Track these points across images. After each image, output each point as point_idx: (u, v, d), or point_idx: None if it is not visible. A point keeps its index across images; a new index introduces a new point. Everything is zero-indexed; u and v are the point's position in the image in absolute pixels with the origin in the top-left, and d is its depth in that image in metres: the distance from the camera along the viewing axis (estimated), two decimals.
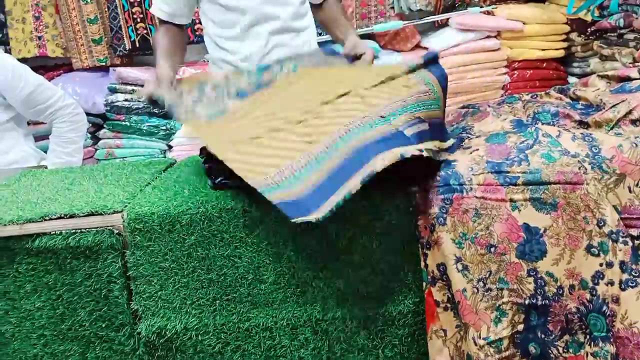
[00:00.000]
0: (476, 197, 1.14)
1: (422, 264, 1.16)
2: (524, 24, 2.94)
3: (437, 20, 3.16)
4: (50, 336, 1.28)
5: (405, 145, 1.06)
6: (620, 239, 1.09)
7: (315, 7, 1.84)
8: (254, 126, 1.24)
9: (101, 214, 1.23)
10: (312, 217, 0.97)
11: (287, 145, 1.16)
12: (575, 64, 3.00)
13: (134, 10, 3.00)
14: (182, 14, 1.69)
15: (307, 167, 1.09)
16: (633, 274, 1.07)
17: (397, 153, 1.02)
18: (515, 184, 1.13)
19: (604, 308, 1.08)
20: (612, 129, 1.23)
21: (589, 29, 2.69)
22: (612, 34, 2.52)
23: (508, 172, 1.14)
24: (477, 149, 1.22)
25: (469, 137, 1.32)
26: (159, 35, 1.67)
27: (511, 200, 1.12)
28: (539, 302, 1.11)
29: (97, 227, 1.21)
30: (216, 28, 1.70)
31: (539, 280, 1.11)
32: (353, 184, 0.99)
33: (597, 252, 1.10)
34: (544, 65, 3.01)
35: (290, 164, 1.10)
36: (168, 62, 1.55)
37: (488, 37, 2.98)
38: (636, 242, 1.10)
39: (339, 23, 1.78)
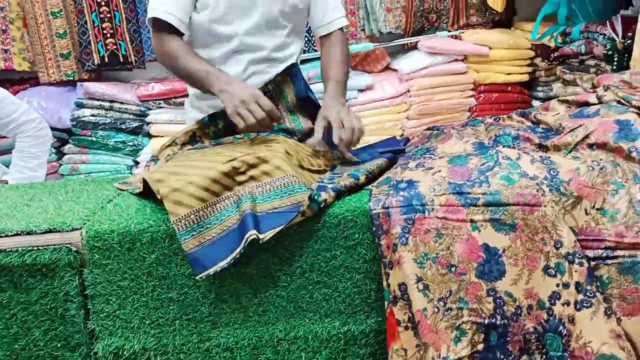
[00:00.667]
0: (438, 218, 1.15)
1: (384, 283, 1.17)
2: (490, 48, 3.02)
3: (407, 43, 3.22)
4: (2, 356, 1.24)
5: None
6: (577, 260, 1.11)
7: (320, 44, 1.75)
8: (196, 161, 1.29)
9: (59, 231, 1.20)
10: (205, 273, 1.11)
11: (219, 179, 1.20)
12: (539, 88, 3.08)
13: (104, 25, 2.98)
14: (186, 23, 1.56)
15: (218, 215, 1.17)
16: (588, 294, 1.09)
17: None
18: (475, 205, 1.15)
19: (560, 328, 1.10)
20: (570, 152, 1.26)
21: (552, 55, 2.78)
22: (574, 60, 2.61)
23: (469, 193, 1.16)
24: (440, 170, 1.24)
25: (432, 158, 1.34)
26: (179, 45, 1.51)
27: (471, 221, 1.14)
28: (498, 322, 1.12)
29: (54, 245, 1.19)
30: (197, 45, 1.61)
31: (498, 300, 1.12)
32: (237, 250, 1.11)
33: (554, 272, 1.12)
34: (509, 88, 3.09)
35: (214, 202, 1.18)
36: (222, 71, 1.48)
37: (455, 60, 3.05)
38: (592, 263, 1.13)
39: (329, 71, 1.65)
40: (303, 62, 1.94)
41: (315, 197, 1.18)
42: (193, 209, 1.15)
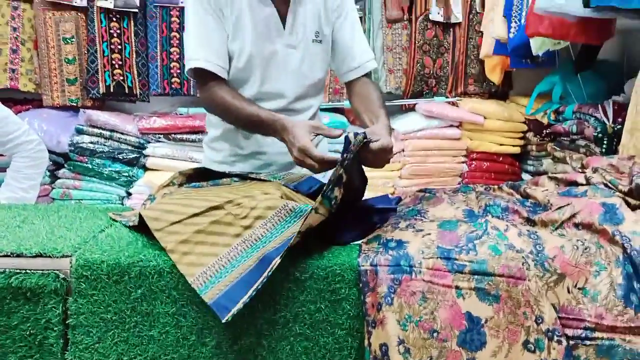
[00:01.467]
0: (424, 281, 1.17)
1: (366, 342, 1.17)
2: (484, 118, 3.12)
3: (405, 104, 3.31)
4: None
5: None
6: (556, 338, 1.13)
7: (348, 87, 1.74)
8: (197, 201, 1.31)
9: (49, 257, 1.20)
10: (229, 314, 1.11)
11: (223, 229, 1.23)
12: (529, 162, 3.16)
13: (113, 56, 3.05)
14: (227, 68, 1.60)
15: (233, 262, 1.19)
16: None
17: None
18: (462, 272, 1.17)
19: None
20: (556, 229, 1.30)
21: (544, 131, 2.87)
22: (565, 138, 2.69)
23: (456, 259, 1.19)
24: (430, 233, 1.27)
25: (422, 220, 1.37)
26: (231, 95, 1.54)
27: (457, 287, 1.16)
28: None
29: (43, 270, 1.19)
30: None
31: None
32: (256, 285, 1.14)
33: (533, 348, 1.13)
34: (501, 159, 3.17)
35: (227, 252, 1.20)
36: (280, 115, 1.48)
37: (451, 126, 3.14)
38: (571, 342, 1.14)
39: (373, 113, 1.56)
40: None
41: (328, 193, 1.19)
42: (207, 266, 1.17)
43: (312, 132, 1.38)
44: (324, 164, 1.35)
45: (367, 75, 1.74)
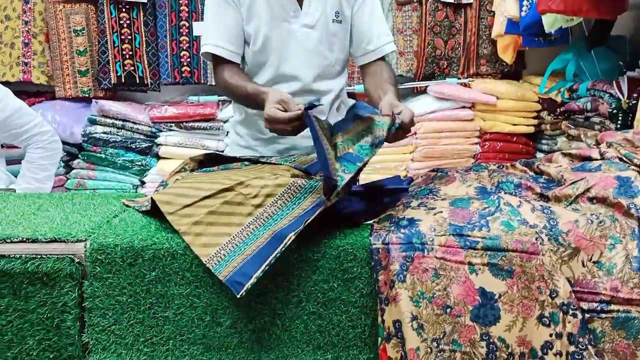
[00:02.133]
0: (436, 258, 1.17)
1: (379, 319, 1.18)
2: (497, 98, 3.08)
3: (417, 87, 3.29)
4: None
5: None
6: (571, 311, 1.12)
7: (363, 72, 1.74)
8: (207, 184, 1.31)
9: (64, 242, 1.22)
10: (243, 289, 1.12)
11: (235, 209, 1.24)
12: (543, 141, 3.13)
13: (123, 46, 3.06)
14: (240, 52, 1.63)
15: (246, 240, 1.20)
16: (580, 346, 1.10)
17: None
18: (474, 248, 1.16)
19: None
20: (570, 204, 1.29)
21: (558, 109, 2.83)
22: (580, 116, 2.66)
23: (469, 235, 1.18)
24: (441, 211, 1.26)
25: (434, 198, 1.36)
26: (229, 75, 1.57)
27: (469, 264, 1.16)
28: None
29: (58, 254, 1.20)
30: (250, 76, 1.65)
31: (491, 345, 1.13)
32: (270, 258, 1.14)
33: (547, 322, 1.13)
34: (514, 139, 3.14)
35: (239, 231, 1.21)
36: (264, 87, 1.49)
37: (463, 107, 3.11)
38: (586, 315, 1.14)
39: (382, 89, 1.56)
40: None
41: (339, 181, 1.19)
42: (221, 246, 1.18)
43: (279, 103, 1.35)
44: (294, 121, 1.32)
45: (383, 58, 1.73)
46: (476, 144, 3.14)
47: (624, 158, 1.42)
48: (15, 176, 2.32)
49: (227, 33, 1.60)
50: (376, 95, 1.56)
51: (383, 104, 1.40)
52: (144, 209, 1.38)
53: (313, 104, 1.27)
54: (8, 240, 1.22)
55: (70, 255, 1.20)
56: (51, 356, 1.23)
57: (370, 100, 1.61)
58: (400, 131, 1.33)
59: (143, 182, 3.02)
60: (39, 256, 1.20)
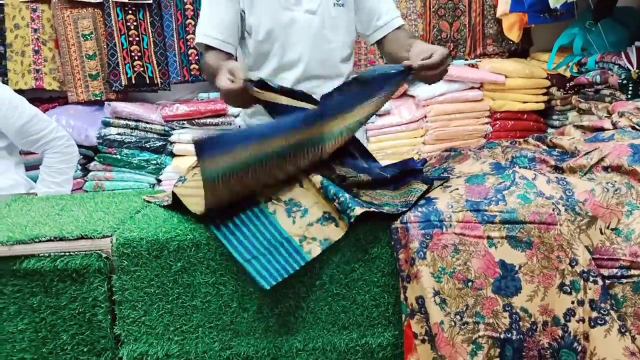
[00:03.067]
0: (455, 234, 1.18)
1: (402, 296, 1.20)
2: (506, 77, 3.07)
3: None
4: (30, 359, 1.28)
5: None
6: (591, 278, 1.13)
7: (379, 46, 1.75)
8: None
9: (91, 238, 1.25)
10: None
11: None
12: (554, 117, 3.12)
13: (132, 48, 3.09)
14: (232, 41, 1.63)
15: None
16: (602, 312, 1.11)
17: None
18: (492, 222, 1.18)
19: (575, 344, 1.12)
20: (585, 174, 1.30)
21: (567, 84, 2.82)
22: (590, 89, 2.64)
23: (486, 210, 1.20)
24: (457, 189, 1.28)
25: (450, 177, 1.38)
26: (210, 58, 1.58)
27: (488, 238, 1.17)
28: (514, 337, 1.14)
29: (85, 251, 1.24)
30: (252, 69, 1.67)
31: (514, 315, 1.15)
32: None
33: (569, 290, 1.14)
34: (525, 117, 3.13)
35: None
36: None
37: (472, 88, 3.11)
38: (606, 282, 1.15)
39: (404, 47, 1.53)
40: None
41: (348, 211, 1.20)
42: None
43: (229, 73, 1.33)
44: (240, 93, 1.29)
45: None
46: (487, 123, 3.14)
47: (637, 126, 1.43)
48: (34, 181, 2.36)
49: (219, 24, 1.61)
50: (402, 56, 1.51)
51: (411, 55, 1.39)
52: (165, 203, 1.41)
53: (263, 80, 1.28)
54: (36, 240, 1.25)
55: (97, 251, 1.24)
56: (85, 350, 1.27)
57: (395, 60, 1.58)
58: (429, 72, 1.35)
59: (159, 180, 3.05)
60: (67, 253, 1.24)
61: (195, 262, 1.23)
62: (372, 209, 1.19)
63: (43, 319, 1.27)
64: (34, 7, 3.08)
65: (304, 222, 1.21)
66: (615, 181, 1.24)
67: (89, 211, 1.44)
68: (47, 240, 1.25)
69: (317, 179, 1.25)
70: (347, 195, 1.22)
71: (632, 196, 1.21)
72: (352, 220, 1.18)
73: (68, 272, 1.24)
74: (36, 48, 3.11)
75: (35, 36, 3.10)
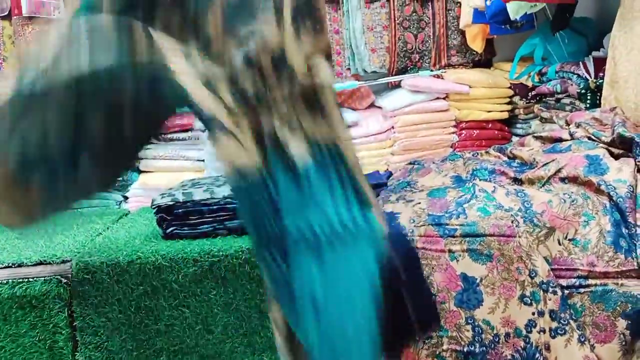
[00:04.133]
0: (417, 248, 1.19)
1: None
2: (470, 87, 3.12)
3: (391, 82, 3.32)
4: None
5: None
6: (551, 289, 1.15)
7: None
8: None
9: (50, 264, 1.23)
10: None
11: None
12: (518, 125, 3.17)
13: None
14: None
15: None
16: (562, 322, 1.13)
17: None
18: (453, 236, 1.19)
19: (537, 355, 1.13)
20: (543, 185, 1.32)
21: (530, 93, 2.87)
22: (551, 98, 2.70)
23: (447, 224, 1.21)
24: (419, 202, 1.29)
25: (412, 191, 1.39)
26: None
27: (450, 251, 1.18)
28: (477, 350, 1.16)
29: (45, 277, 1.21)
30: None
31: (477, 328, 1.16)
32: None
33: (529, 301, 1.16)
34: (490, 125, 3.18)
35: None
36: None
37: (437, 98, 3.14)
38: (565, 292, 1.17)
39: None
40: None
41: None
42: None
43: None
44: None
45: None
46: (453, 133, 3.18)
47: (592, 137, 1.47)
48: None
49: None
50: None
51: None
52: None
53: None
54: None
55: (57, 277, 1.21)
56: None
57: None
58: None
59: (126, 197, 3.01)
60: (26, 280, 1.21)
61: (157, 285, 1.22)
62: None
63: (2, 347, 1.24)
64: None
65: None
66: (572, 192, 1.27)
67: (49, 234, 1.41)
68: (5, 267, 1.23)
69: None
70: None
71: (588, 207, 1.23)
72: None
73: (27, 299, 1.22)
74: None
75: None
